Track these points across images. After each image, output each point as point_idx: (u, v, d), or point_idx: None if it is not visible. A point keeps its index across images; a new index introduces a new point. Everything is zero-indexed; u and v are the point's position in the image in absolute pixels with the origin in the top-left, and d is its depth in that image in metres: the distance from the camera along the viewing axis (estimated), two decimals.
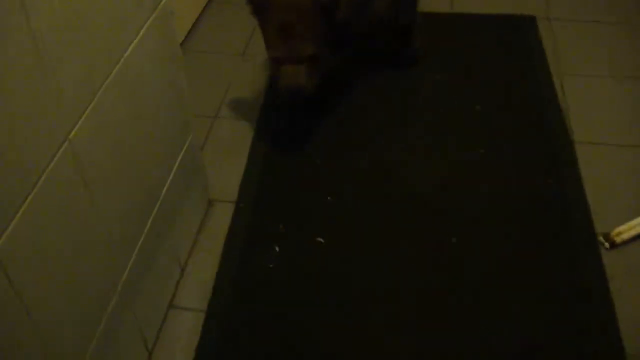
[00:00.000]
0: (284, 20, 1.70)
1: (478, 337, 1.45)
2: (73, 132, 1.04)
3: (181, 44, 2.17)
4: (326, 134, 1.99)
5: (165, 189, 1.45)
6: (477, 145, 1.92)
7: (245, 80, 2.22)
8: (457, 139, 1.95)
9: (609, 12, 2.48)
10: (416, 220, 1.71)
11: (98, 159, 1.13)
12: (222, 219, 1.75)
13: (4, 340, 0.92)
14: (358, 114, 2.05)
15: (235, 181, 1.85)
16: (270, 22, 1.73)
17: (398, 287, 1.56)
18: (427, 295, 1.54)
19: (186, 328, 1.51)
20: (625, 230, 1.63)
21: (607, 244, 1.61)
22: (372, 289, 1.56)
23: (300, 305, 1.54)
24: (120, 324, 1.28)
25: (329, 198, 1.78)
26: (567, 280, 1.55)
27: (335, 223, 1.71)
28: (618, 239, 1.61)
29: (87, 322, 1.16)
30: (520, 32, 2.38)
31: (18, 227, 0.90)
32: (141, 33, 1.26)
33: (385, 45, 2.25)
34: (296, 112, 2.07)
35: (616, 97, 2.10)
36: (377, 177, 1.84)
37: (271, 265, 1.62)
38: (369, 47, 2.23)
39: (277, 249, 1.66)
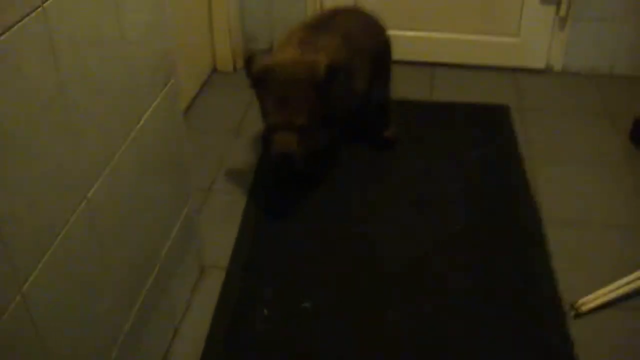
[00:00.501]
0: (282, 92, 1.91)
1: None
2: (91, 192, 1.16)
3: None
4: (312, 206, 2.12)
5: (164, 252, 1.56)
6: (453, 223, 2.06)
7: (238, 155, 2.38)
8: (433, 218, 2.09)
9: (576, 105, 2.69)
10: (399, 290, 1.83)
11: (110, 219, 1.25)
12: (214, 283, 1.86)
13: None
14: (341, 188, 2.20)
15: (227, 248, 1.96)
16: (268, 93, 1.93)
17: (383, 354, 1.66)
18: None
19: None
20: (591, 300, 1.75)
21: (572, 313, 1.74)
22: (357, 355, 1.66)
23: None
24: None
25: (314, 265, 1.90)
26: (536, 345, 1.66)
27: (321, 289, 1.83)
28: (584, 308, 1.74)
29: None
30: (495, 120, 2.56)
31: (39, 277, 1.01)
32: (153, 105, 1.40)
33: (362, 127, 2.42)
34: (285, 185, 2.21)
35: (584, 182, 2.26)
36: (360, 249, 1.96)
37: (260, 328, 1.72)
38: (350, 126, 2.38)
39: (265, 312, 1.76)
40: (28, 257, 0.99)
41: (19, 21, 0.89)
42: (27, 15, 0.91)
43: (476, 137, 2.46)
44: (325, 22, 2.21)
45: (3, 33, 0.86)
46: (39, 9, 0.94)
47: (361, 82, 2.19)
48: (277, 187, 2.23)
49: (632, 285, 1.78)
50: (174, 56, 1.51)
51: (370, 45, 2.22)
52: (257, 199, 2.17)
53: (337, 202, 2.16)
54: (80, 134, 1.10)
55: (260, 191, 2.20)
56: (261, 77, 1.94)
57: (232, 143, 2.43)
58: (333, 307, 1.78)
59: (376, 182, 2.24)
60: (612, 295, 1.77)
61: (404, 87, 2.37)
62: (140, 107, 1.35)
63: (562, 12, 2.78)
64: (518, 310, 1.77)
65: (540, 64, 2.91)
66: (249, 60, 1.99)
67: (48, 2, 0.96)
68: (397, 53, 2.41)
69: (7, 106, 0.89)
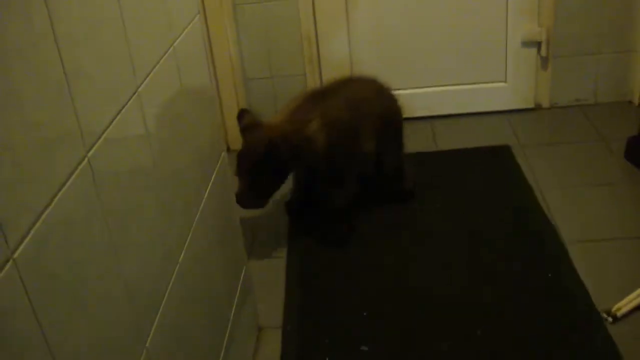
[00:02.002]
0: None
1: None
2: (177, 266, 1.31)
3: None
4: (351, 256, 2.28)
5: (233, 311, 1.70)
6: (481, 257, 2.21)
7: (272, 217, 2.54)
8: (461, 254, 2.24)
9: (570, 135, 2.89)
10: (449, 322, 1.96)
11: (194, 279, 1.39)
12: (272, 343, 1.98)
13: None
14: (372, 237, 2.35)
15: (278, 307, 2.09)
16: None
17: None
18: None
19: None
20: (624, 304, 1.89)
21: (610, 319, 1.88)
22: None
23: None
24: None
25: (363, 309, 2.04)
26: (584, 352, 1.80)
27: (375, 331, 1.95)
28: (619, 313, 1.88)
29: None
30: (499, 159, 2.75)
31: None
32: (212, 178, 1.56)
33: (381, 186, 2.57)
34: (321, 238, 2.37)
35: (591, 202, 2.43)
36: (403, 289, 2.10)
37: None
38: (370, 182, 2.55)
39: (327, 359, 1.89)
40: (147, 311, 1.12)
41: (126, 103, 1.06)
42: (127, 101, 1.08)
43: (486, 176, 2.64)
44: (332, 88, 2.43)
45: (110, 122, 1.02)
46: (135, 96, 1.11)
47: (369, 143, 2.37)
48: (313, 239, 2.37)
49: None
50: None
51: (379, 110, 2.41)
52: (296, 257, 2.31)
53: (371, 250, 2.30)
54: (170, 207, 1.25)
55: (298, 249, 2.34)
56: (242, 130, 2.26)
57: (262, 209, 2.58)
58: (389, 345, 1.90)
59: (403, 229, 2.39)
60: None
61: (409, 142, 2.55)
62: (205, 178, 1.51)
63: (543, 52, 3.00)
64: (559, 324, 1.90)
65: (529, 104, 3.12)
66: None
67: (142, 87, 1.13)
68: None
69: (117, 189, 1.05)
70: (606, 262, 2.14)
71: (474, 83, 3.11)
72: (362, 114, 2.36)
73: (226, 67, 2.89)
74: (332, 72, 3.03)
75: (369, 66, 3.07)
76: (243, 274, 1.83)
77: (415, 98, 3.09)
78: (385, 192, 2.56)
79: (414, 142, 2.89)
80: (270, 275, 2.25)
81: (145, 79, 1.14)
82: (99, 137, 0.97)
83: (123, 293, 1.03)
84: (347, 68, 3.06)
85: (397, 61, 3.08)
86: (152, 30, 1.21)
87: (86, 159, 0.93)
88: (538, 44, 3.00)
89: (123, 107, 1.05)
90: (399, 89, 2.91)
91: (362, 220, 2.47)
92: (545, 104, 3.13)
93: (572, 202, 2.44)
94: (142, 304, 1.10)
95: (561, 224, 2.31)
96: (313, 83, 3.07)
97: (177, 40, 1.32)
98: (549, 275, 2.08)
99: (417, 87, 3.11)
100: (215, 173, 1.59)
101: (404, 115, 2.53)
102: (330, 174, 2.33)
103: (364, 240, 2.37)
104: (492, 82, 3.10)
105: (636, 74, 3.03)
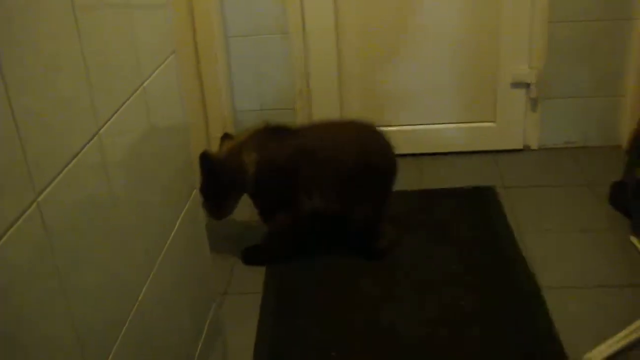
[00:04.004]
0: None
1: None
2: (140, 295, 1.31)
3: None
4: (324, 295, 2.27)
5: (197, 354, 1.69)
6: (456, 298, 2.20)
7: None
8: (438, 295, 2.24)
9: (556, 177, 2.89)
10: None
11: (156, 318, 1.39)
12: None
13: None
14: (350, 276, 2.35)
15: (249, 347, 2.08)
16: None
17: None
18: None
19: None
20: (596, 354, 1.89)
21: None
22: None
23: None
24: None
25: (333, 353, 2.03)
26: None
27: None
28: None
29: None
30: (482, 200, 2.75)
31: None
32: (182, 214, 1.57)
33: (348, 238, 2.50)
34: (295, 277, 2.36)
35: (572, 247, 2.43)
36: (373, 330, 2.10)
37: None
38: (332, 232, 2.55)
39: None
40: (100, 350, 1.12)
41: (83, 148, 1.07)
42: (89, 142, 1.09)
43: (468, 218, 2.64)
44: (301, 129, 2.45)
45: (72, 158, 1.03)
46: (96, 137, 1.11)
47: (320, 195, 2.34)
48: (290, 280, 2.37)
49: (631, 337, 1.92)
50: (193, 168, 1.69)
51: (350, 163, 2.32)
52: (273, 295, 2.30)
53: (347, 290, 2.30)
54: (130, 243, 1.26)
55: (275, 287, 2.34)
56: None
57: (241, 245, 2.58)
58: None
59: (381, 269, 2.39)
60: (615, 347, 1.90)
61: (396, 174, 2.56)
62: (174, 216, 1.52)
63: (533, 94, 3.02)
64: None
65: (517, 145, 3.13)
66: (222, 138, 2.43)
67: (103, 129, 1.14)
68: None
69: (73, 225, 1.05)
70: (583, 310, 2.13)
71: (463, 122, 3.12)
72: (316, 163, 2.32)
73: (215, 99, 2.90)
74: (322, 107, 3.05)
75: (358, 102, 3.09)
76: (212, 312, 1.83)
77: (404, 135, 3.09)
78: (353, 247, 2.47)
79: (400, 179, 2.89)
80: (245, 310, 2.25)
81: (107, 121, 1.15)
82: (53, 180, 0.98)
83: (72, 338, 1.03)
84: (336, 103, 3.07)
85: (387, 98, 3.10)
86: (119, 71, 1.22)
87: (35, 203, 0.94)
88: (528, 85, 3.02)
89: (81, 149, 1.06)
90: (387, 126, 2.95)
91: (339, 254, 2.46)
92: (534, 145, 3.14)
93: (553, 247, 2.44)
94: (92, 349, 1.10)
95: (540, 269, 2.31)
96: (302, 117, 3.08)
97: (147, 81, 1.34)
98: (523, 321, 2.08)
99: (405, 124, 3.13)
100: (184, 211, 1.60)
101: (395, 172, 2.44)
102: (261, 205, 2.44)
103: (339, 275, 2.36)
104: (481, 121, 3.12)
105: (625, 119, 3.04)
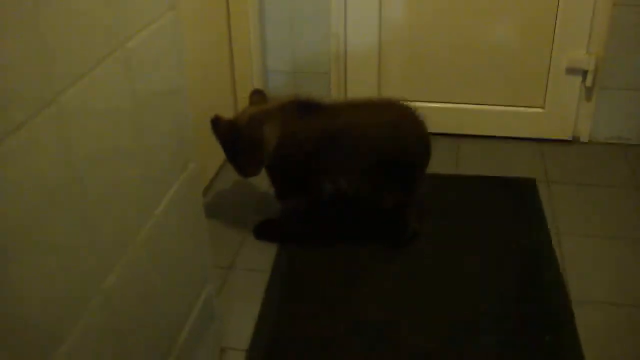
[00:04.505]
0: None
1: None
2: (106, 282, 1.16)
3: None
4: (338, 287, 2.10)
5: (183, 336, 1.54)
6: (480, 303, 2.02)
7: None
8: (456, 296, 2.06)
9: (603, 176, 2.65)
10: None
11: (127, 307, 1.24)
12: None
13: None
14: (367, 266, 2.17)
15: (248, 329, 1.94)
16: None
17: None
18: None
19: None
20: None
21: None
22: None
23: None
24: None
25: (337, 350, 1.87)
26: None
27: None
28: None
29: None
30: (521, 193, 2.53)
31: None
32: (171, 191, 1.40)
33: (373, 223, 2.32)
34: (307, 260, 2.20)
35: (613, 258, 2.21)
36: (386, 333, 1.92)
37: None
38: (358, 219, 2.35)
39: None
40: (44, 349, 0.98)
41: (33, 116, 0.90)
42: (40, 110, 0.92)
43: (503, 211, 2.43)
44: (331, 107, 2.24)
45: (16, 129, 0.87)
46: (52, 104, 0.95)
47: (346, 180, 2.16)
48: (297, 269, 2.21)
49: None
50: (192, 140, 1.52)
51: (377, 148, 2.13)
52: (281, 277, 2.15)
53: (360, 279, 2.13)
54: (95, 224, 1.10)
55: (284, 269, 2.18)
56: None
57: (254, 219, 2.42)
58: None
59: (399, 260, 2.20)
60: None
61: (430, 160, 2.36)
62: (157, 193, 1.35)
63: (589, 82, 2.76)
64: None
65: (566, 135, 2.89)
66: (251, 94, 2.32)
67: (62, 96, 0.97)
68: None
69: (19, 199, 0.89)
70: (614, 331, 1.93)
71: (509, 105, 2.88)
72: (343, 147, 2.12)
73: (244, 57, 2.72)
74: (359, 72, 2.85)
75: (398, 70, 2.87)
76: (204, 296, 1.67)
77: (443, 113, 2.88)
78: (377, 233, 2.30)
79: (435, 161, 2.66)
80: (249, 292, 2.10)
81: (70, 87, 0.98)
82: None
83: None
84: (374, 71, 2.86)
85: (428, 70, 2.87)
86: (86, 30, 1.04)
87: None
88: (584, 73, 2.76)
89: (32, 116, 0.90)
90: (426, 101, 2.74)
91: (358, 239, 2.29)
92: (584, 137, 2.89)
93: (591, 255, 2.22)
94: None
95: (574, 279, 2.10)
96: (337, 82, 2.88)
97: (131, 41, 1.16)
98: (547, 338, 1.88)
99: (446, 102, 2.90)
100: (177, 185, 1.43)
101: (428, 159, 2.23)
102: (276, 183, 2.29)
103: (353, 263, 2.19)
104: (529, 106, 2.87)
105: None
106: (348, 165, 2.14)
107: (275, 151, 2.14)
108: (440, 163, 2.70)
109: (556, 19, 2.69)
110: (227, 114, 2.34)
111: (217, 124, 2.16)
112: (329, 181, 2.17)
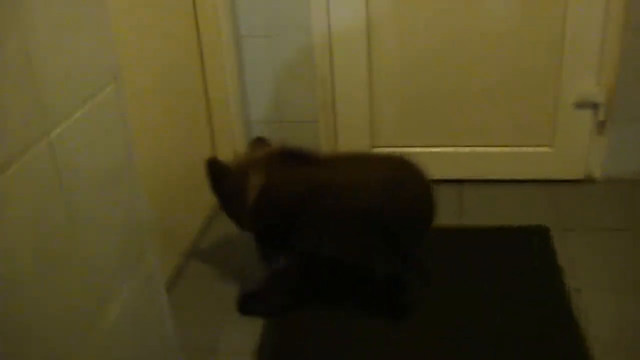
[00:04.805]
0: None
1: None
2: None
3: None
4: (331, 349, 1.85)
5: None
6: (497, 356, 1.78)
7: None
8: (477, 352, 1.83)
9: (623, 218, 2.41)
10: None
11: None
12: None
13: None
14: (361, 339, 1.92)
15: None
16: None
17: None
18: None
19: None
20: None
21: None
22: None
23: None
24: None
25: None
26: None
27: None
28: None
29: None
30: (532, 244, 2.29)
31: None
32: (121, 297, 1.16)
33: (366, 292, 2.08)
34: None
35: (637, 314, 1.96)
36: None
37: None
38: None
39: None
40: None
41: None
42: None
43: (514, 266, 2.19)
44: (321, 160, 2.00)
45: None
46: None
47: (327, 237, 1.93)
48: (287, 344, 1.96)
49: None
50: (149, 225, 1.28)
51: (370, 206, 1.86)
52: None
53: (358, 355, 1.88)
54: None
55: (271, 349, 1.93)
56: None
57: (242, 285, 2.18)
58: None
59: (401, 330, 1.95)
60: None
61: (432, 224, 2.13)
62: (100, 303, 1.11)
63: (601, 116, 2.53)
64: None
65: (578, 175, 2.65)
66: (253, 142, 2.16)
67: None
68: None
69: None
70: None
71: (514, 145, 2.65)
72: (330, 202, 1.87)
73: (222, 108, 2.50)
74: (349, 120, 2.63)
75: (392, 115, 2.65)
76: None
77: (443, 157, 2.65)
78: (370, 303, 2.04)
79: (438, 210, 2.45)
80: None
81: None
82: None
83: None
84: (366, 117, 2.63)
85: (426, 112, 2.64)
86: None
87: None
88: (594, 106, 2.53)
89: None
90: (424, 146, 2.53)
91: (352, 308, 2.04)
92: (597, 175, 2.66)
93: (615, 315, 1.97)
94: None
95: (596, 345, 1.85)
96: (326, 130, 2.66)
97: (58, 129, 0.92)
98: None
99: (446, 145, 2.67)
100: (129, 287, 1.19)
101: (430, 223, 1.97)
102: (257, 240, 2.07)
103: (349, 335, 1.94)
104: (536, 145, 2.64)
105: None
106: (333, 225, 1.91)
107: (255, 202, 1.93)
108: (442, 213, 2.43)
109: (562, 49, 2.46)
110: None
111: (212, 165, 1.99)
112: (313, 243, 1.94)
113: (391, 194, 1.89)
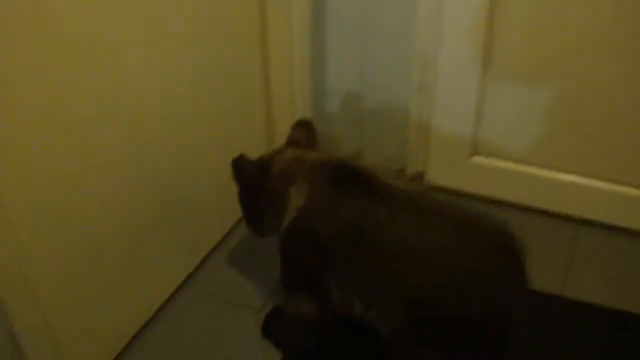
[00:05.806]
0: None
1: None
2: None
3: None
4: None
5: None
6: None
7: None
8: None
9: None
10: None
11: None
12: None
13: None
14: None
15: None
16: None
17: None
18: None
19: None
20: None
21: None
22: None
23: None
24: None
25: None
26: None
27: None
28: None
29: None
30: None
31: None
32: None
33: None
34: None
35: None
36: None
37: None
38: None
39: None
40: None
41: None
42: None
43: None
44: (375, 184, 1.48)
45: None
46: None
47: (356, 288, 1.44)
48: None
49: None
50: None
51: (425, 272, 1.33)
52: None
53: None
54: None
55: None
56: None
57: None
58: None
59: None
60: None
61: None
62: None
63: None
64: None
65: None
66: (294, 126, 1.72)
67: None
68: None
69: None
70: None
71: None
72: (364, 248, 1.40)
73: (283, 76, 1.94)
74: (449, 112, 2.03)
75: (503, 116, 2.00)
76: None
77: (560, 186, 2.01)
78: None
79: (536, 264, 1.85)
80: None
81: None
82: None
83: None
84: (470, 109, 2.02)
85: (548, 123, 1.97)
86: None
87: None
88: None
89: None
90: (536, 165, 1.93)
91: None
92: None
93: None
94: None
95: None
96: (418, 119, 2.07)
97: None
98: None
99: (563, 171, 2.02)
100: None
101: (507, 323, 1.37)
102: (282, 267, 1.59)
103: None
104: None
105: None
106: (371, 284, 1.40)
107: (290, 224, 1.49)
108: (543, 265, 1.84)
109: None
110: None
111: (240, 164, 1.64)
112: (341, 298, 1.46)
113: (462, 276, 1.31)
